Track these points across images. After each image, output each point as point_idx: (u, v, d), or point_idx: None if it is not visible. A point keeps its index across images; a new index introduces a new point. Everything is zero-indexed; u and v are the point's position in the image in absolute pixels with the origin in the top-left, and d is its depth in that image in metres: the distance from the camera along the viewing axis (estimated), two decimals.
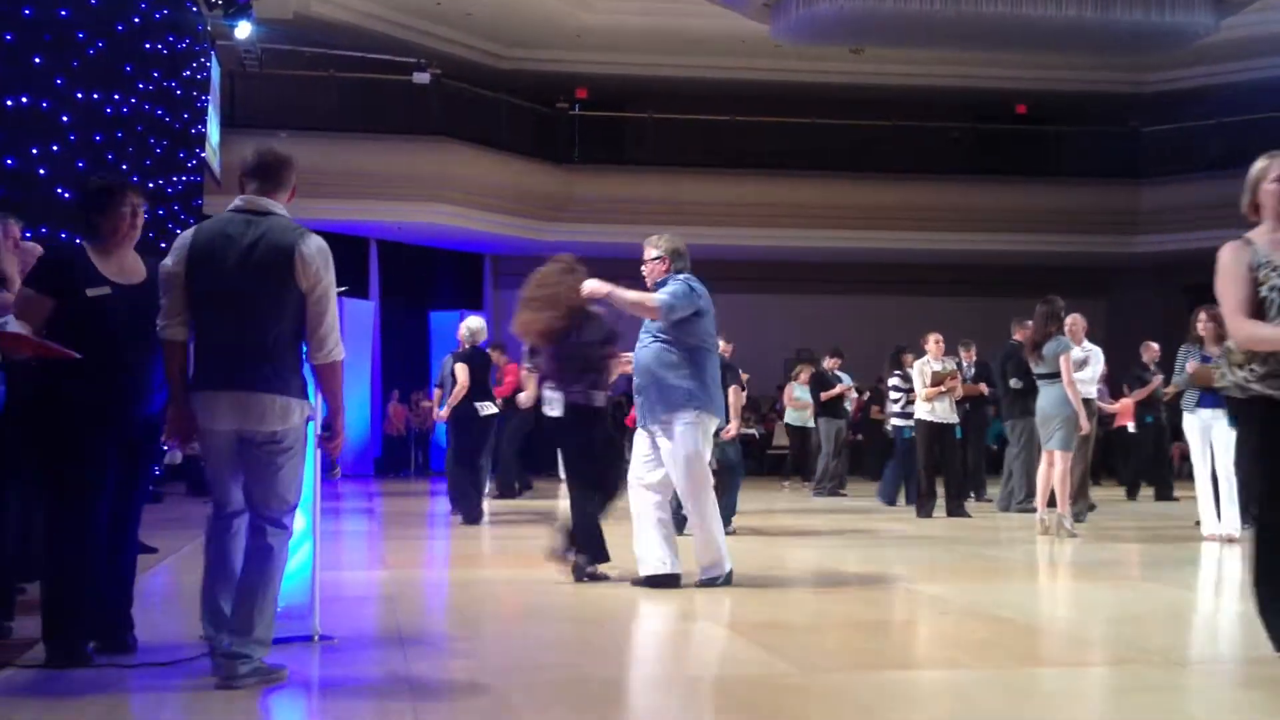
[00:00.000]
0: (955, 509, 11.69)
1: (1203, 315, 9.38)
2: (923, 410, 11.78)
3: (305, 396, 4.30)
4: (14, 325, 4.47)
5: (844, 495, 14.90)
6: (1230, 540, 9.04)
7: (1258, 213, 4.64)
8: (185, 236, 4.32)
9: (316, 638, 4.92)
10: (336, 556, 8.06)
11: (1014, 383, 11.81)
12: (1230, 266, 4.49)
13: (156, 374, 4.50)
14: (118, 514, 4.62)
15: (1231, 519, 9.21)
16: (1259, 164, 4.65)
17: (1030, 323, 10.37)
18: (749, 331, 17.28)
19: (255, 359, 4.15)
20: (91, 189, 4.80)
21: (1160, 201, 22.72)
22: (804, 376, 15.80)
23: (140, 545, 5.22)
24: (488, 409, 10.99)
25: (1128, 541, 9.78)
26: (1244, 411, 4.55)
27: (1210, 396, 9.16)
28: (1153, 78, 23.66)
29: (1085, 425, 9.89)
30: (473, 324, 11.16)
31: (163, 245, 8.78)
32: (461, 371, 10.82)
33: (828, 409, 15.21)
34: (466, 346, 11.04)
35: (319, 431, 4.48)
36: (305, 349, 4.30)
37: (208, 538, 4.33)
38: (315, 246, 4.22)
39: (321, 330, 4.23)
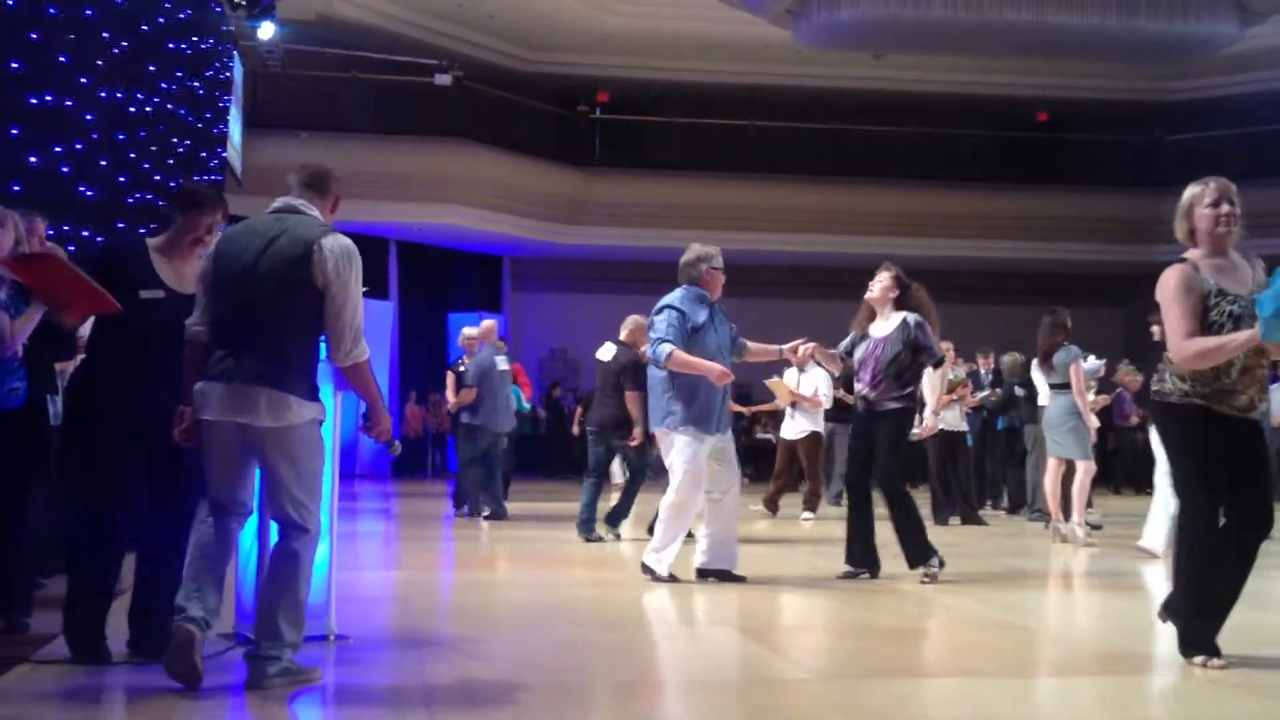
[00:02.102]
0: (970, 516, 11.67)
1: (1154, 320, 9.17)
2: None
3: (313, 399, 4.19)
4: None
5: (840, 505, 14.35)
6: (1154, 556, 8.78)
7: (1192, 238, 4.73)
8: (220, 235, 4.35)
9: (332, 638, 4.93)
10: (353, 557, 8.08)
11: (1017, 390, 11.88)
12: (1183, 293, 4.55)
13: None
14: (166, 518, 4.54)
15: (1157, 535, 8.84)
16: (1192, 189, 4.76)
17: (1055, 334, 10.34)
18: (768, 337, 17.22)
19: (257, 352, 4.07)
20: (187, 189, 4.87)
21: None
22: None
23: None
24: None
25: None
26: (1176, 415, 4.64)
27: None
28: (1176, 86, 23.56)
29: (1092, 434, 9.90)
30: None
31: None
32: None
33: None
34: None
35: (359, 424, 4.37)
36: (326, 351, 4.24)
37: (202, 527, 4.19)
38: (338, 244, 4.15)
39: (339, 329, 4.14)
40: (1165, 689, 4.51)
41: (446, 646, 5.04)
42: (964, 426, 11.92)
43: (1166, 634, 5.81)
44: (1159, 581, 8.01)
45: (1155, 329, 9.19)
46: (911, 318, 7.18)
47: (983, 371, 13.13)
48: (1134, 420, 16.74)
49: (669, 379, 6.78)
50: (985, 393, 12.84)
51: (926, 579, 7.03)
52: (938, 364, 7.35)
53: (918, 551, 7.12)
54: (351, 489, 15.95)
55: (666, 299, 6.92)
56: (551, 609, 6.21)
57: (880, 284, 7.35)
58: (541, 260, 23.46)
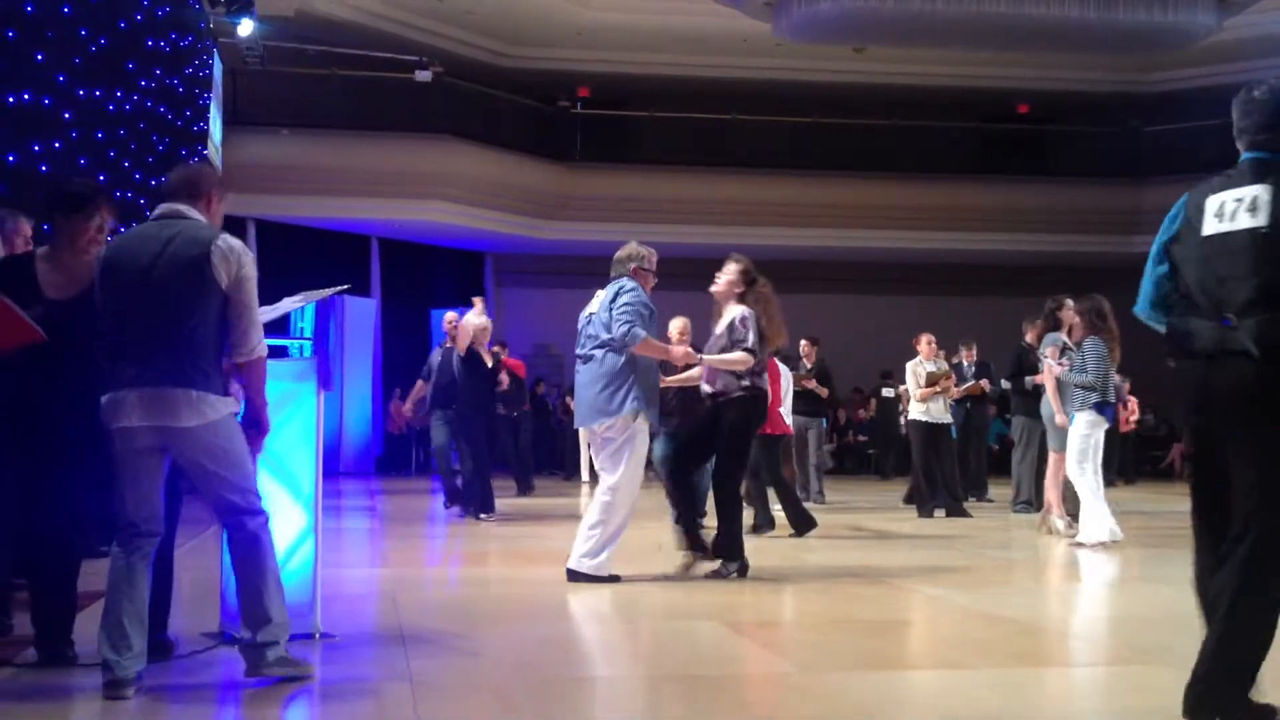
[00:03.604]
0: (955, 509, 11.70)
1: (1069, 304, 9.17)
2: (917, 411, 11.79)
3: (227, 394, 4.17)
4: None
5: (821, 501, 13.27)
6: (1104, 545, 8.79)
7: None
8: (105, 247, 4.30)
9: (317, 635, 4.93)
10: (337, 554, 8.07)
11: (1003, 383, 11.93)
12: None
13: (93, 383, 4.28)
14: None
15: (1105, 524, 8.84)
16: None
17: (1040, 322, 10.45)
18: None
19: (167, 353, 4.05)
20: (61, 191, 4.71)
21: (1161, 202, 22.29)
22: None
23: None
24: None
25: (1129, 543, 9.77)
26: None
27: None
28: (1154, 78, 23.64)
29: (1062, 419, 9.83)
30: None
31: None
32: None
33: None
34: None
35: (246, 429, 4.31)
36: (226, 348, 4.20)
37: (113, 557, 4.10)
38: (232, 243, 4.18)
39: (243, 325, 4.16)
40: (1149, 680, 4.53)
41: (433, 643, 5.04)
42: (948, 419, 11.95)
43: (1149, 624, 5.85)
44: (1133, 570, 8.06)
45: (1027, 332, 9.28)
46: (743, 314, 7.02)
47: (965, 363, 13.21)
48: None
49: (633, 367, 6.71)
50: (968, 385, 12.90)
51: (713, 574, 6.91)
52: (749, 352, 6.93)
53: (726, 550, 6.96)
54: (336, 487, 15.92)
55: (627, 286, 6.81)
56: (536, 605, 6.21)
57: (725, 278, 7.18)
58: (524, 256, 23.42)
